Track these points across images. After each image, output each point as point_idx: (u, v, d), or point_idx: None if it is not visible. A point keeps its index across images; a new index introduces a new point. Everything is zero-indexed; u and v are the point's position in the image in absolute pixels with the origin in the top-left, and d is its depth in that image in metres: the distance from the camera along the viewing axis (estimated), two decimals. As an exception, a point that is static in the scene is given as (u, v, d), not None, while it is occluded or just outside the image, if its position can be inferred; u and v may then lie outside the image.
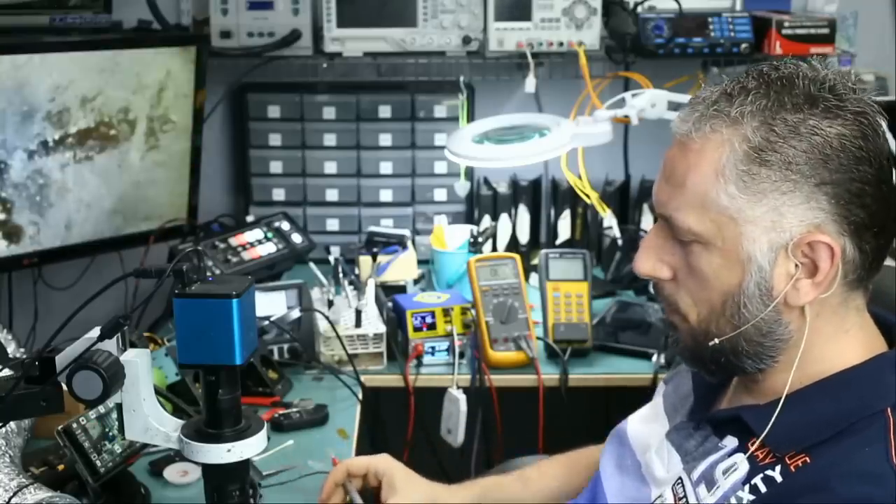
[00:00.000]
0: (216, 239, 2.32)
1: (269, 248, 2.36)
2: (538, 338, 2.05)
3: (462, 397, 1.96)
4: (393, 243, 2.37)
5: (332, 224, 2.61)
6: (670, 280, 1.11)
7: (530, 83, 2.39)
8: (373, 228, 2.49)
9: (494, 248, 2.51)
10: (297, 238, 2.41)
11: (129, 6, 2.41)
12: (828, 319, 1.06)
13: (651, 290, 2.26)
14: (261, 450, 1.14)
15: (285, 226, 2.43)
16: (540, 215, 2.63)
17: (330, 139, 2.58)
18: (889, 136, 1.05)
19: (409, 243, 2.39)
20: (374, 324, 2.01)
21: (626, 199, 2.60)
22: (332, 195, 2.60)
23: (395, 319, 2.05)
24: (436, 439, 2.04)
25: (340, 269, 2.25)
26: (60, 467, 1.50)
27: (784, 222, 1.02)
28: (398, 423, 2.01)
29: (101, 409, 1.43)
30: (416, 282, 2.32)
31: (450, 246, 2.37)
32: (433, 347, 2.02)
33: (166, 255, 2.35)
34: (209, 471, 1.14)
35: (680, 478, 1.14)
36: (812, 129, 1.00)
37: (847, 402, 1.04)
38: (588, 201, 2.47)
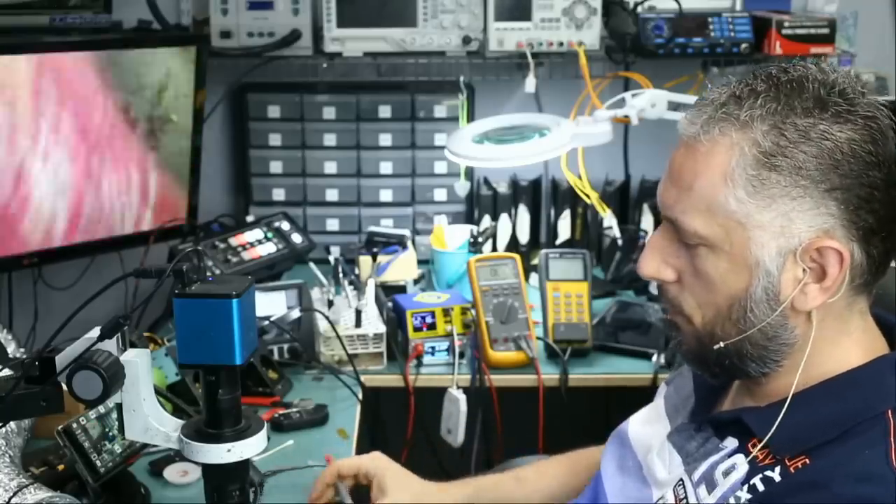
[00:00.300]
0: (216, 239, 2.32)
1: (269, 248, 2.36)
2: (538, 338, 2.05)
3: (462, 397, 1.96)
4: (393, 243, 2.37)
5: (332, 224, 2.61)
6: (675, 282, 1.11)
7: (530, 83, 2.39)
8: (373, 228, 2.49)
9: (494, 248, 2.51)
10: (297, 238, 2.41)
11: (129, 6, 2.41)
12: (832, 323, 1.06)
13: (652, 290, 2.27)
14: (261, 450, 1.14)
15: (285, 226, 2.43)
16: (540, 215, 2.63)
17: (330, 139, 2.58)
18: None
19: (409, 243, 2.40)
20: (374, 324, 2.01)
21: (626, 199, 2.60)
22: (332, 195, 2.60)
23: (395, 319, 2.05)
24: (436, 439, 2.04)
25: (340, 269, 2.25)
26: (60, 467, 1.50)
27: (793, 227, 1.01)
28: (398, 423, 2.01)
29: (101, 409, 1.43)
30: (416, 282, 2.32)
31: (450, 246, 2.37)
32: (433, 347, 2.02)
33: (166, 255, 2.35)
34: (209, 471, 1.14)
35: (681, 479, 1.14)
36: (822, 134, 1.00)
37: (848, 404, 1.04)
38: (588, 201, 2.47)
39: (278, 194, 2.60)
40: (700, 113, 1.06)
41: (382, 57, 2.45)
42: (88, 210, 2.22)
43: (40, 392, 1.10)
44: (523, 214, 2.55)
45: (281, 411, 1.80)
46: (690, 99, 2.18)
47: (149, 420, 1.13)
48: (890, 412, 1.02)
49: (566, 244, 2.53)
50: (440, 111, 2.57)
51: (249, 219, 2.48)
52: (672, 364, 1.89)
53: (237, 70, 2.51)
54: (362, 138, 2.58)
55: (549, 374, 1.99)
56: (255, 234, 2.38)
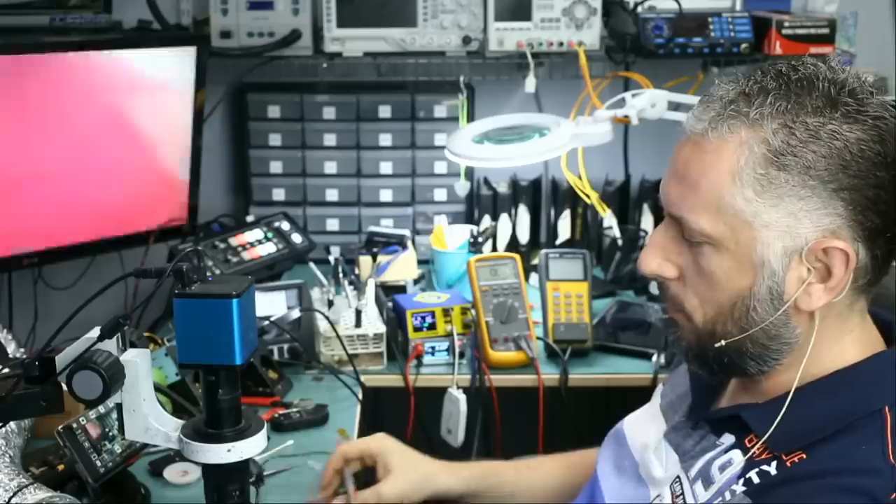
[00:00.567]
0: (216, 239, 2.32)
1: (269, 248, 2.36)
2: (538, 338, 2.05)
3: (462, 397, 1.96)
4: (393, 243, 2.37)
5: (332, 224, 2.61)
6: (676, 279, 1.10)
7: (530, 83, 2.39)
8: (373, 228, 2.49)
9: (494, 248, 2.51)
10: (297, 238, 2.41)
11: (129, 6, 2.41)
12: (833, 322, 1.06)
13: (652, 290, 2.28)
14: (261, 450, 1.14)
15: (285, 226, 2.43)
16: (540, 215, 2.63)
17: (330, 139, 2.58)
18: None
19: (409, 243, 2.40)
20: (374, 324, 2.01)
21: (626, 199, 2.60)
22: (332, 195, 2.60)
23: (395, 319, 2.05)
24: (436, 439, 2.04)
25: (340, 269, 2.25)
26: (60, 467, 1.50)
27: (800, 227, 1.01)
28: (398, 423, 2.01)
29: (101, 409, 1.43)
30: (416, 282, 2.32)
31: (450, 246, 2.37)
32: (433, 347, 2.02)
33: (166, 255, 2.35)
34: (209, 471, 1.14)
35: (678, 476, 1.14)
36: (832, 134, 0.99)
37: (845, 400, 1.04)
38: (588, 201, 2.48)
39: (278, 194, 2.60)
40: (708, 109, 1.05)
41: (382, 57, 2.45)
42: (88, 210, 2.22)
43: (40, 392, 1.10)
44: (523, 214, 2.55)
45: (281, 411, 1.80)
46: (690, 99, 2.18)
47: (149, 420, 1.13)
48: (887, 409, 1.03)
49: (566, 244, 2.53)
50: (440, 111, 2.57)
51: (249, 219, 2.48)
52: (672, 364, 1.89)
53: (237, 70, 2.51)
54: (362, 138, 2.58)
55: (549, 374, 1.99)
56: (255, 234, 2.38)
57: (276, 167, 2.58)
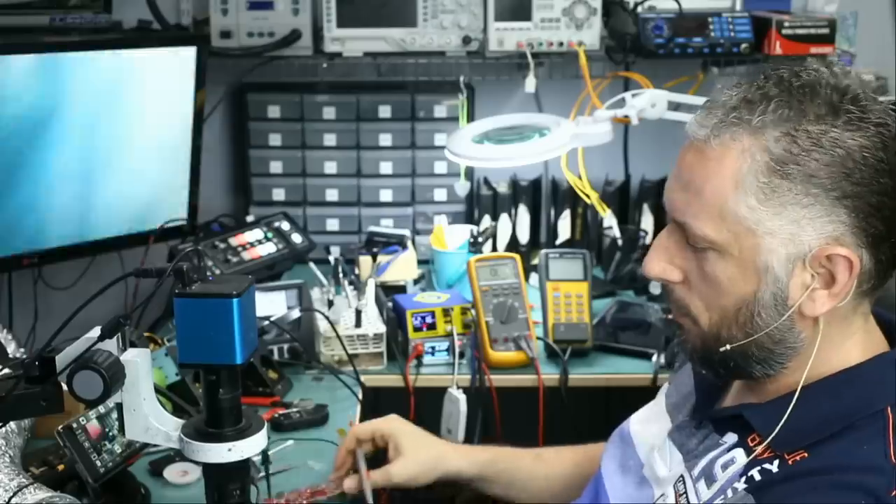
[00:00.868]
0: (216, 239, 2.32)
1: (269, 248, 2.36)
2: (538, 338, 2.05)
3: (462, 397, 1.96)
4: (393, 243, 2.37)
5: (332, 224, 2.61)
6: (681, 283, 1.11)
7: (530, 83, 2.39)
8: (373, 228, 2.49)
9: (494, 248, 2.51)
10: (297, 238, 2.41)
11: (129, 6, 2.41)
12: (837, 326, 1.07)
13: (652, 290, 2.28)
14: (261, 449, 1.14)
15: (285, 226, 2.43)
16: (540, 215, 2.63)
17: (330, 139, 2.58)
18: None
19: (409, 243, 2.40)
20: (374, 324, 2.01)
21: (626, 199, 2.60)
22: (332, 195, 2.60)
23: (395, 319, 2.05)
24: (436, 439, 2.04)
25: (340, 269, 2.25)
26: (60, 467, 1.50)
27: (803, 234, 1.01)
28: (398, 423, 2.01)
29: (101, 409, 1.43)
30: (416, 282, 2.32)
31: (450, 246, 2.37)
32: (433, 347, 2.02)
33: (166, 255, 2.35)
34: (210, 470, 1.14)
35: (681, 475, 1.15)
36: (834, 142, 0.99)
37: (848, 400, 1.05)
38: (588, 201, 2.48)
39: (278, 194, 2.60)
40: (710, 116, 1.05)
41: (382, 57, 2.45)
42: (88, 210, 2.22)
43: (40, 392, 1.10)
44: (523, 214, 2.55)
45: (281, 411, 1.80)
46: (690, 99, 2.18)
47: (149, 420, 1.13)
48: (889, 409, 1.03)
49: (566, 244, 2.53)
50: (440, 111, 2.57)
51: (249, 219, 2.48)
52: (672, 364, 1.89)
53: (237, 70, 2.51)
54: (362, 138, 2.57)
55: (549, 374, 1.98)
56: (255, 234, 2.37)
57: (276, 167, 2.58)
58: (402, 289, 2.24)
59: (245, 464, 1.14)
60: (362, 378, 1.94)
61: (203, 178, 2.43)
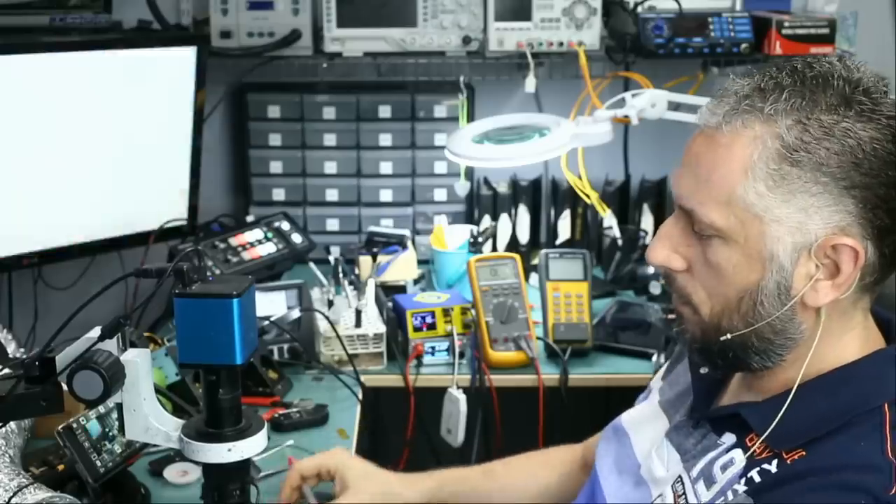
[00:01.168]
0: (216, 239, 2.32)
1: (269, 248, 2.36)
2: (538, 338, 2.05)
3: (462, 397, 1.96)
4: (393, 243, 2.37)
5: (332, 224, 2.61)
6: (684, 271, 1.10)
7: (530, 83, 2.39)
8: (373, 228, 2.49)
9: (494, 248, 2.51)
10: (297, 238, 2.41)
11: (129, 6, 2.41)
12: (837, 319, 1.07)
13: (652, 290, 2.27)
14: (261, 449, 1.14)
15: (285, 226, 2.43)
16: (540, 215, 2.63)
17: (330, 139, 2.58)
18: None
19: (409, 243, 2.40)
20: (374, 324, 2.01)
21: (626, 199, 2.60)
22: (332, 195, 2.60)
23: (395, 319, 2.05)
24: (436, 439, 2.04)
25: (340, 269, 2.25)
26: (60, 467, 1.50)
27: (810, 223, 1.01)
28: (398, 423, 2.01)
29: (101, 409, 1.43)
30: (416, 282, 2.32)
31: (450, 246, 2.37)
32: (433, 347, 2.02)
33: (166, 255, 2.35)
34: (210, 470, 1.14)
35: (680, 476, 1.14)
36: (846, 132, 1.00)
37: (845, 397, 1.05)
38: (588, 201, 2.48)
39: (278, 194, 2.60)
40: (722, 104, 1.05)
41: (382, 57, 2.45)
42: (88, 210, 2.22)
43: (40, 392, 1.10)
44: (523, 214, 2.55)
45: (281, 411, 1.80)
46: (690, 99, 2.18)
47: (149, 420, 1.13)
48: (886, 405, 1.03)
49: (566, 244, 2.54)
50: (440, 111, 2.57)
51: (249, 219, 2.48)
52: (669, 357, 1.89)
53: (237, 70, 2.51)
54: (362, 138, 2.57)
55: (549, 374, 1.99)
56: (255, 234, 2.37)
57: (276, 167, 2.58)
58: (402, 289, 2.24)
59: (245, 464, 1.14)
60: (362, 378, 1.94)
61: (203, 178, 2.43)
